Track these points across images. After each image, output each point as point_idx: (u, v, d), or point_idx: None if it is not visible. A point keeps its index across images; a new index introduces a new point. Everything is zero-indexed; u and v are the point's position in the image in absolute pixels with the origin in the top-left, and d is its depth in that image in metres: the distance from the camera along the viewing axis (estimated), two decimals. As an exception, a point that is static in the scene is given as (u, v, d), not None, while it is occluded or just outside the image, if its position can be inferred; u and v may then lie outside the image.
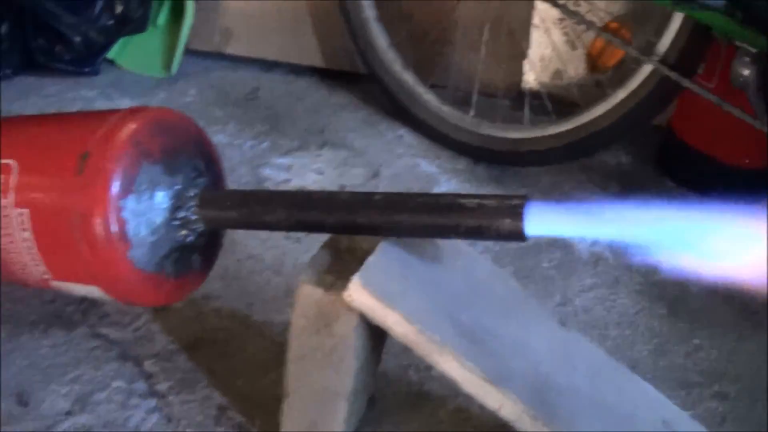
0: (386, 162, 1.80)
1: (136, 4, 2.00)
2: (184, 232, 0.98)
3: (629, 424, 0.95)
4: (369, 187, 1.69)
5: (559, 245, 1.54)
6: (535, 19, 2.02)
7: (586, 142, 1.64)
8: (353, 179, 1.73)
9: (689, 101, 1.49)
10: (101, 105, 1.95)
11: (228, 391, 1.13)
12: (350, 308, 0.86)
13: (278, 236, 1.46)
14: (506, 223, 0.83)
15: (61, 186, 0.94)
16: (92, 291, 1.00)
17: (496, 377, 0.83)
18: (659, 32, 1.48)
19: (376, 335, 0.90)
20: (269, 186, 1.67)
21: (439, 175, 1.77)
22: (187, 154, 1.00)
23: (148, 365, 1.16)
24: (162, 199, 0.96)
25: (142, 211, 0.94)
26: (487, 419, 1.07)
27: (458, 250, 1.03)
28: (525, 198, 0.83)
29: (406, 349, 0.87)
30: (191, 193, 0.99)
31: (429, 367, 0.91)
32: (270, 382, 1.12)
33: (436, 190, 1.71)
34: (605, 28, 1.53)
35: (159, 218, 0.95)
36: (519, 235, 0.83)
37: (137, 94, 2.02)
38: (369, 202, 0.89)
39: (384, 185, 1.71)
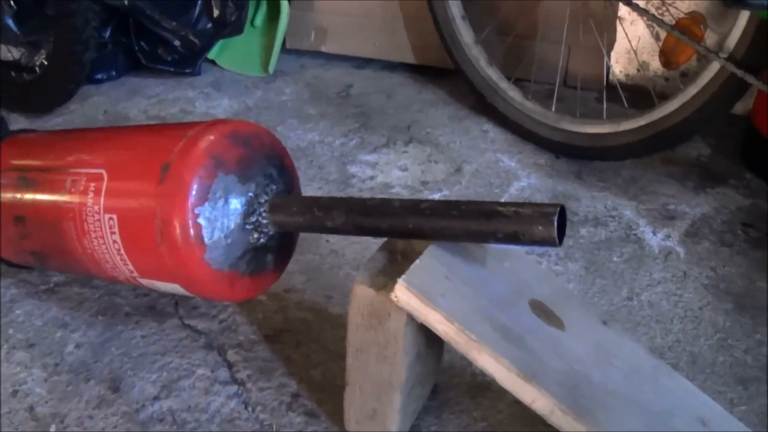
0: (469, 158, 1.85)
1: (232, 8, 2.10)
2: (256, 235, 1.06)
3: (664, 421, 0.97)
4: (450, 183, 1.74)
5: (631, 240, 1.56)
6: (621, 11, 2.04)
7: (662, 137, 1.65)
8: (436, 175, 1.78)
9: (765, 95, 1.48)
10: (201, 104, 2.05)
11: (302, 379, 1.21)
12: (399, 307, 0.92)
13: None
14: (539, 230, 0.88)
15: (144, 194, 1.03)
16: (175, 288, 1.09)
17: (530, 374, 0.89)
18: (729, 30, 1.49)
19: (431, 331, 0.94)
20: (355, 183, 1.74)
21: (520, 170, 1.80)
22: (261, 164, 1.08)
23: (231, 354, 1.24)
24: (235, 205, 1.04)
25: (217, 217, 1.02)
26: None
27: (505, 252, 1.08)
28: (558, 206, 0.88)
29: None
30: (263, 199, 1.07)
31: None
32: (341, 371, 1.16)
33: (516, 185, 1.74)
34: (676, 25, 1.54)
35: (232, 223, 1.04)
36: (551, 241, 0.88)
37: (235, 94, 2.12)
38: (417, 210, 0.95)
39: (465, 181, 1.76)
